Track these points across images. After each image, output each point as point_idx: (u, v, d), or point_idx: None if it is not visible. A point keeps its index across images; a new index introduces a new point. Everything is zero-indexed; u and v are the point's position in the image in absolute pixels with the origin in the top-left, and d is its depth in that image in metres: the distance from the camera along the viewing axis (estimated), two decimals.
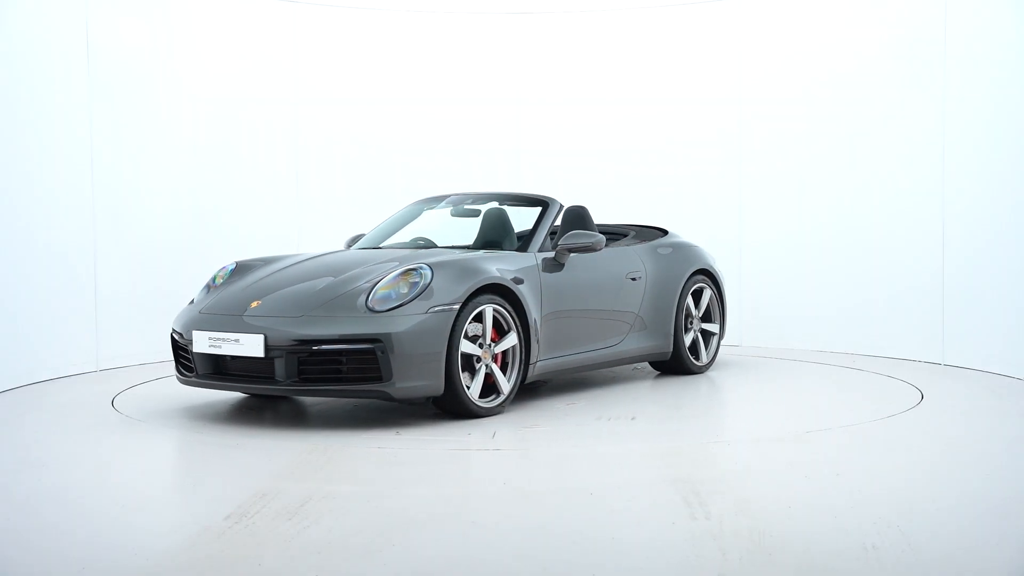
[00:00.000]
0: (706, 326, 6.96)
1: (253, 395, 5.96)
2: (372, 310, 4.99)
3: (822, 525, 3.41)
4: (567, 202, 7.23)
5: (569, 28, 8.84)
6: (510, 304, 5.41)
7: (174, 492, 4.05)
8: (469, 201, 6.57)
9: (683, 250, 6.85)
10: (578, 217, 6.40)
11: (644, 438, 4.91)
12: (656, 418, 5.40)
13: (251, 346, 5.01)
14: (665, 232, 7.11)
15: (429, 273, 5.13)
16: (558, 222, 6.36)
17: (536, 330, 5.56)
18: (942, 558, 3.09)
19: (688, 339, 6.76)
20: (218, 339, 5.15)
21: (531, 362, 5.54)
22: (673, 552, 3.16)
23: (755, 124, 8.32)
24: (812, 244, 8.03)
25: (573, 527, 3.42)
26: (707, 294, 6.92)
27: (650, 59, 8.69)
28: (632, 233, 7.07)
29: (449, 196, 6.66)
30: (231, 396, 6.00)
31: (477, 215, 6.42)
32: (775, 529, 3.36)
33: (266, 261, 5.97)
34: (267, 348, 4.96)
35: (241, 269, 5.85)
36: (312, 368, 4.95)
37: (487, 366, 5.28)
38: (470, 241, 6.21)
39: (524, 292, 5.50)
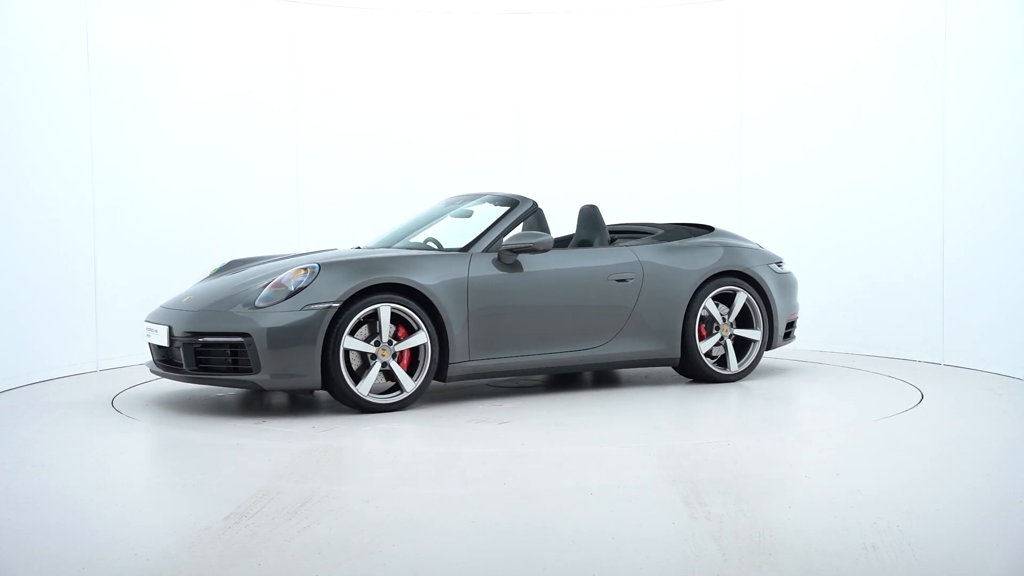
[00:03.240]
0: (743, 332, 6.48)
1: (254, 391, 6.06)
2: (255, 306, 5.34)
3: (822, 525, 3.41)
4: (567, 202, 7.26)
5: (569, 28, 8.84)
6: (423, 304, 5.53)
7: (174, 492, 4.04)
8: (461, 202, 6.57)
9: (708, 250, 6.46)
10: (590, 216, 6.48)
11: (644, 438, 4.91)
12: (535, 424, 5.23)
13: (161, 336, 5.57)
14: (709, 229, 6.79)
15: (316, 271, 5.40)
16: (539, 223, 6.38)
17: (457, 330, 5.60)
18: (942, 558, 3.09)
19: (707, 345, 6.35)
20: (150, 329, 5.73)
21: (452, 362, 5.60)
22: (673, 552, 3.16)
23: (755, 124, 8.32)
24: (812, 244, 8.03)
25: (573, 527, 3.42)
26: (741, 298, 6.44)
27: (650, 59, 8.69)
28: (660, 232, 6.71)
29: (482, 195, 6.59)
30: (230, 396, 6.01)
31: (470, 215, 6.42)
32: (775, 529, 3.36)
33: (250, 260, 6.33)
34: (170, 339, 5.51)
35: (228, 266, 6.29)
36: (212, 359, 5.39)
37: (384, 364, 5.42)
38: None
39: (439, 292, 5.55)
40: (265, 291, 5.41)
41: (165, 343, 5.52)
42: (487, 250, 5.89)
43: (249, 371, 5.28)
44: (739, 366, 6.48)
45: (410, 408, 5.56)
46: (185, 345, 5.41)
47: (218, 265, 6.41)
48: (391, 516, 3.55)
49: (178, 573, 3.02)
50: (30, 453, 4.63)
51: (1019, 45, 6.59)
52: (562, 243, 6.83)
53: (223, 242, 7.82)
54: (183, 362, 5.45)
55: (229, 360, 5.34)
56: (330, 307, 5.28)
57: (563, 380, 6.66)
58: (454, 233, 6.37)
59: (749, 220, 8.31)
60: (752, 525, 3.39)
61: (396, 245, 6.32)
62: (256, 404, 5.81)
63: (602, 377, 6.81)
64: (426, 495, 3.86)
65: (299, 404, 5.81)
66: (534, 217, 6.50)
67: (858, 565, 3.02)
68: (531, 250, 5.86)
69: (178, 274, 7.34)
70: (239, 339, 5.27)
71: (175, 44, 7.75)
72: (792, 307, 6.83)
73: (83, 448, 4.77)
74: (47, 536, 3.39)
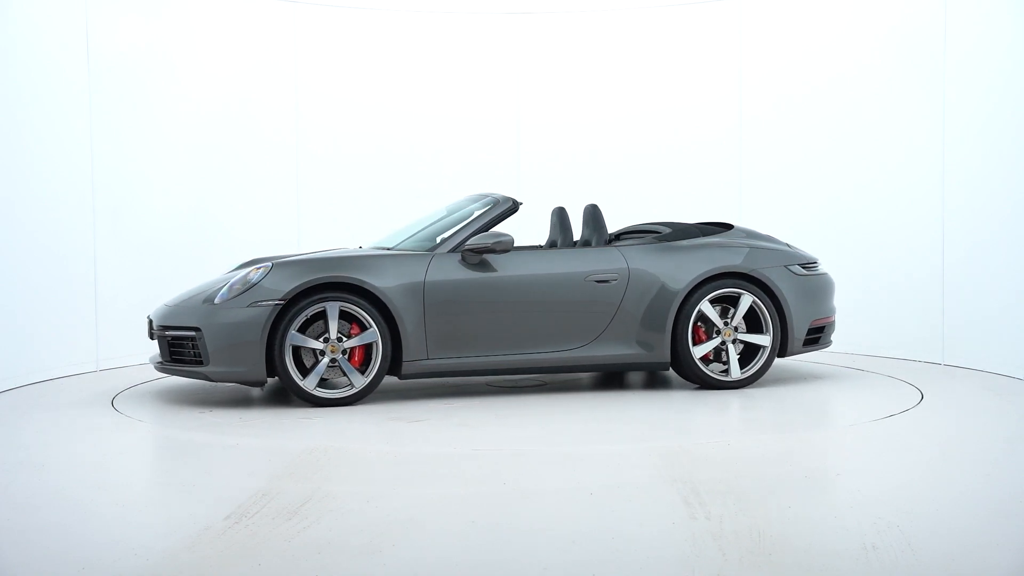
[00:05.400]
0: (749, 337, 6.16)
1: (256, 388, 6.11)
2: (213, 303, 5.63)
3: (822, 525, 3.41)
4: (567, 202, 7.24)
5: (569, 28, 8.84)
6: (375, 303, 5.66)
7: (174, 492, 4.04)
8: (470, 202, 6.57)
9: (709, 251, 6.17)
10: (590, 216, 6.48)
11: (644, 438, 4.91)
12: (534, 423, 5.23)
13: (146, 329, 6.01)
14: (728, 228, 6.54)
15: (268, 269, 5.64)
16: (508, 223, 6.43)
17: (411, 328, 5.68)
18: (942, 558, 3.09)
19: (702, 350, 6.06)
20: (147, 323, 6.08)
21: (406, 359, 5.70)
22: (673, 552, 3.16)
23: (755, 124, 8.32)
24: (812, 244, 8.01)
25: (573, 527, 3.42)
26: (745, 301, 6.10)
27: (650, 59, 8.69)
28: (667, 232, 6.42)
29: (487, 196, 6.54)
30: (230, 396, 6.01)
31: (469, 215, 6.42)
32: (775, 529, 3.36)
33: (265, 260, 6.37)
34: (150, 331, 5.95)
35: (244, 266, 6.43)
36: (183, 351, 5.70)
37: (333, 360, 5.61)
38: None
39: (390, 291, 5.64)
40: (223, 288, 5.67)
41: (148, 336, 5.97)
42: (453, 250, 5.92)
43: (199, 363, 5.59)
44: (742, 373, 6.14)
45: (362, 403, 5.72)
46: (159, 338, 5.81)
47: (235, 264, 6.66)
48: (391, 516, 3.55)
49: (178, 573, 3.02)
50: (30, 453, 4.63)
51: (1019, 45, 6.59)
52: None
53: (223, 242, 7.82)
54: (160, 353, 5.84)
55: (191, 353, 5.64)
56: (275, 304, 5.50)
57: (574, 381, 6.66)
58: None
59: (749, 220, 8.30)
60: (752, 525, 3.39)
61: (399, 245, 6.31)
62: (256, 406, 5.81)
63: (606, 379, 6.80)
64: (426, 495, 3.86)
65: (299, 409, 5.81)
66: (557, 217, 6.54)
67: (858, 565, 3.02)
68: (490, 251, 5.87)
69: (178, 274, 7.35)
70: (190, 333, 5.60)
71: (175, 44, 7.75)
72: (818, 311, 6.39)
73: (83, 448, 4.77)
74: (47, 536, 3.39)
